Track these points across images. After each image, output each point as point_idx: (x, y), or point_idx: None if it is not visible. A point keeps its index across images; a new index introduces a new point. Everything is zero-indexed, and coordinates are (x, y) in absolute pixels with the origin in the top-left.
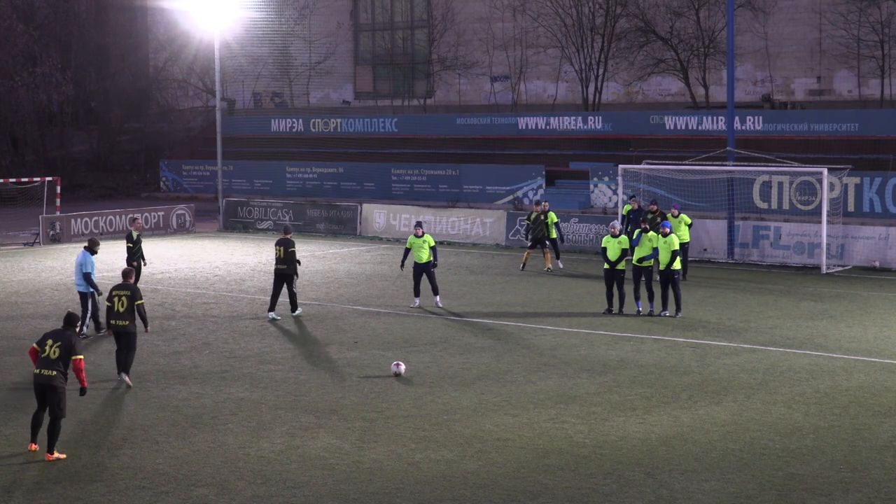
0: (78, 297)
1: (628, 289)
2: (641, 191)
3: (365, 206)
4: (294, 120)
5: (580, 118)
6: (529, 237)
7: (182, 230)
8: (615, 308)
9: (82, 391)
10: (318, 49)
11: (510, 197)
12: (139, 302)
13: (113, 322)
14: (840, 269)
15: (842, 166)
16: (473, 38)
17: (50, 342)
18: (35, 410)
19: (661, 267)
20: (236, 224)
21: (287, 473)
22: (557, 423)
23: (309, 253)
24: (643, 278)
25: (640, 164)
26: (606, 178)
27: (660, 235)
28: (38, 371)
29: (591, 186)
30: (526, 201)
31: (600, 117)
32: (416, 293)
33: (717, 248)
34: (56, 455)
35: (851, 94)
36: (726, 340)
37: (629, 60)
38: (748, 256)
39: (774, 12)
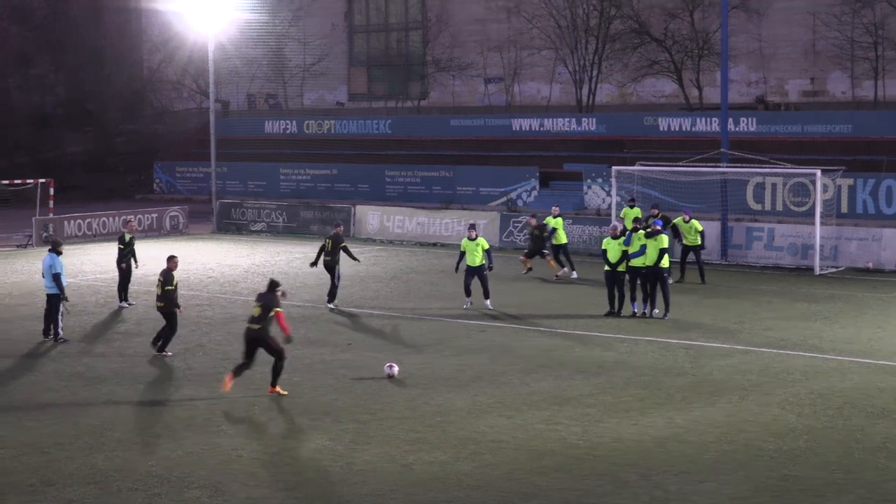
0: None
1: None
2: (635, 192)
3: (358, 207)
4: (288, 121)
5: (574, 120)
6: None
7: (175, 232)
8: (616, 309)
9: (288, 339)
10: (312, 50)
11: (504, 198)
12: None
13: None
14: (834, 270)
15: (835, 168)
16: (468, 40)
17: (255, 304)
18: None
19: (650, 263)
20: (230, 226)
21: (280, 475)
22: (552, 425)
23: (302, 255)
24: (638, 279)
25: (633, 165)
26: (600, 180)
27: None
28: (248, 326)
29: (585, 188)
30: (520, 203)
31: (594, 119)
32: (468, 293)
33: (711, 250)
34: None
35: (845, 95)
36: (721, 342)
37: (623, 62)
38: (742, 258)
39: (769, 14)
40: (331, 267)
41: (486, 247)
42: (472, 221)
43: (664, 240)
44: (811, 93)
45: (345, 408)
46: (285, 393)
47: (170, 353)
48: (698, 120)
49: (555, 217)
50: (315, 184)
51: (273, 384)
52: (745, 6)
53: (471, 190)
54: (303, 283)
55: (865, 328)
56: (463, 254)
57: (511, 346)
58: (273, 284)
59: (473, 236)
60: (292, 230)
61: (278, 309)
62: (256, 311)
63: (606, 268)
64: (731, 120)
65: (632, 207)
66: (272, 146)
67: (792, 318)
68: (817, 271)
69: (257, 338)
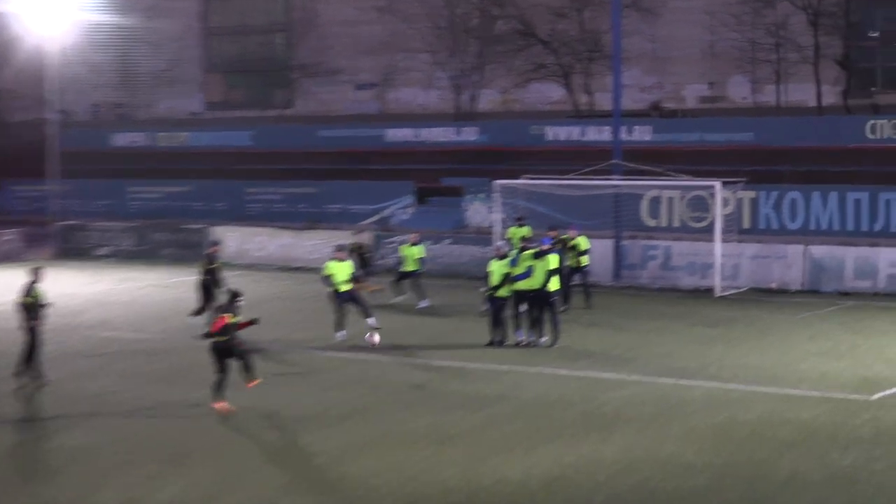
0: None
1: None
2: (522, 209)
3: (216, 228)
4: (137, 133)
5: (453, 129)
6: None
7: (10, 259)
8: (498, 339)
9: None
10: (164, 55)
11: (376, 216)
12: None
13: None
14: (735, 291)
15: (736, 179)
16: (337, 43)
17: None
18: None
19: (536, 286)
20: (72, 251)
21: None
22: (430, 466)
23: (150, 283)
24: (525, 304)
25: (518, 178)
26: (482, 195)
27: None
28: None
29: (466, 204)
30: (394, 221)
31: (475, 128)
32: (341, 326)
33: (603, 271)
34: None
35: (746, 101)
36: (613, 371)
37: (506, 66)
38: (636, 279)
39: (663, 13)
40: (207, 286)
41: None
42: (340, 242)
43: (553, 260)
44: (710, 98)
45: (203, 451)
46: (261, 380)
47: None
48: (588, 128)
49: (411, 245)
50: (168, 202)
51: (252, 378)
52: (637, 5)
53: (340, 207)
54: (153, 314)
55: (770, 353)
56: (328, 277)
57: (386, 379)
58: (234, 295)
59: (343, 258)
60: (142, 254)
61: (241, 319)
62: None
63: (488, 293)
64: (623, 128)
65: (520, 226)
66: (120, 161)
67: (690, 343)
68: (718, 292)
69: (226, 348)
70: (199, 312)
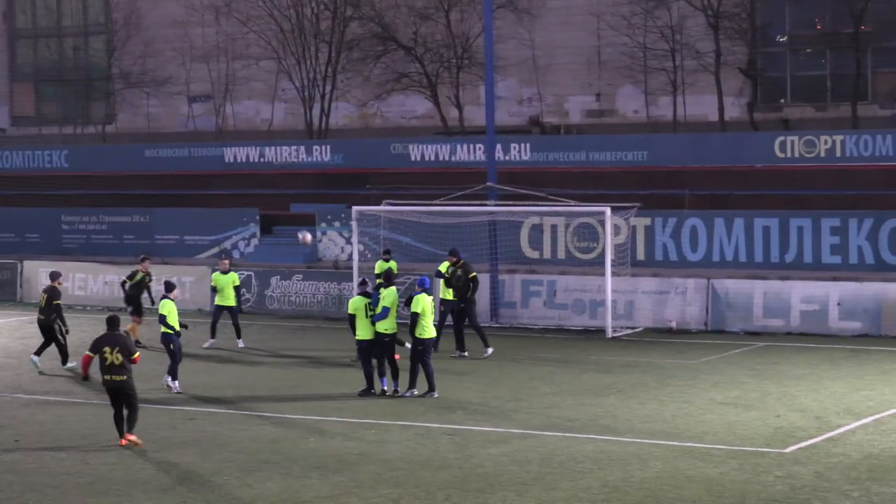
0: None
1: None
2: (382, 238)
3: (27, 263)
4: None
5: (303, 148)
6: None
7: None
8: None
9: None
10: None
11: (216, 249)
12: None
13: None
14: (629, 331)
15: (628, 204)
16: (166, 48)
17: (108, 349)
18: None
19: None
20: None
21: None
22: None
23: None
24: (386, 350)
25: (379, 204)
26: (338, 224)
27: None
28: (108, 377)
29: (319, 234)
30: (236, 254)
31: (328, 147)
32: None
33: (479, 309)
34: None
35: (638, 115)
36: (492, 425)
37: (364, 75)
38: (517, 319)
39: (542, 15)
40: (46, 326)
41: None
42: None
43: (419, 301)
44: (597, 112)
45: None
46: (141, 443)
47: None
48: (459, 147)
49: (224, 273)
50: None
51: (129, 431)
52: (513, 5)
53: (173, 239)
54: None
55: (669, 403)
56: (214, 289)
57: (227, 437)
58: (113, 322)
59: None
60: None
61: (136, 354)
62: (117, 359)
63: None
64: (499, 146)
65: (387, 261)
66: None
67: (580, 392)
68: (609, 333)
69: (122, 388)
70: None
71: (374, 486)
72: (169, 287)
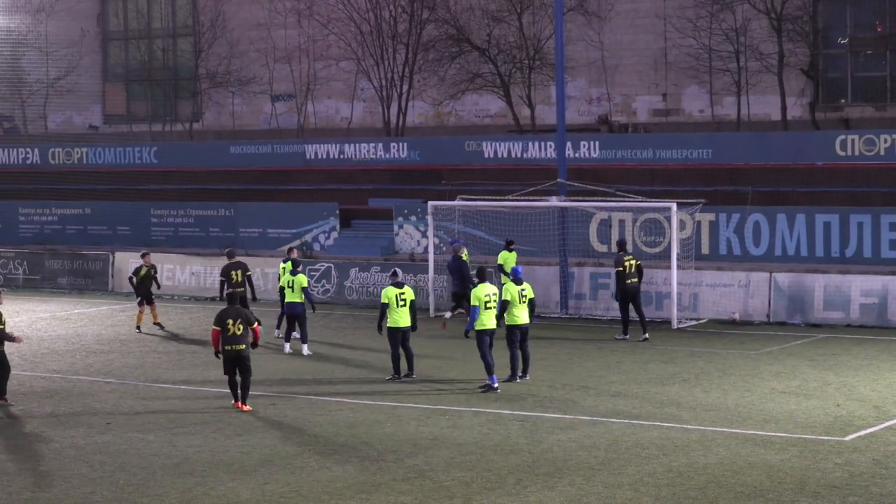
0: None
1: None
2: (456, 232)
3: (118, 255)
4: (28, 150)
5: (381, 145)
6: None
7: None
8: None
9: (254, 345)
10: (57, 62)
11: (297, 242)
12: None
13: None
14: (694, 323)
15: (694, 200)
16: (250, 49)
17: (230, 321)
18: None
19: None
20: None
21: None
22: None
23: (49, 314)
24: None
25: (454, 199)
26: (414, 218)
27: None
28: (229, 347)
29: (396, 228)
30: (317, 247)
31: (405, 144)
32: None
33: (549, 301)
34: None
35: (703, 114)
36: (561, 412)
37: (439, 75)
38: (586, 310)
39: (611, 17)
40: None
41: (305, 284)
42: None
43: (508, 290)
44: (663, 112)
45: (103, 503)
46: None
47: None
48: (530, 144)
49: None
50: (64, 226)
51: (244, 402)
52: (583, 8)
53: (256, 232)
54: (49, 349)
55: (731, 392)
56: (282, 289)
57: (307, 421)
58: (233, 297)
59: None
60: (35, 284)
61: (255, 324)
62: (238, 329)
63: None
64: (569, 144)
65: (511, 251)
66: (8, 180)
67: (646, 381)
68: (675, 325)
69: (241, 356)
70: None
71: (446, 470)
72: (296, 264)
